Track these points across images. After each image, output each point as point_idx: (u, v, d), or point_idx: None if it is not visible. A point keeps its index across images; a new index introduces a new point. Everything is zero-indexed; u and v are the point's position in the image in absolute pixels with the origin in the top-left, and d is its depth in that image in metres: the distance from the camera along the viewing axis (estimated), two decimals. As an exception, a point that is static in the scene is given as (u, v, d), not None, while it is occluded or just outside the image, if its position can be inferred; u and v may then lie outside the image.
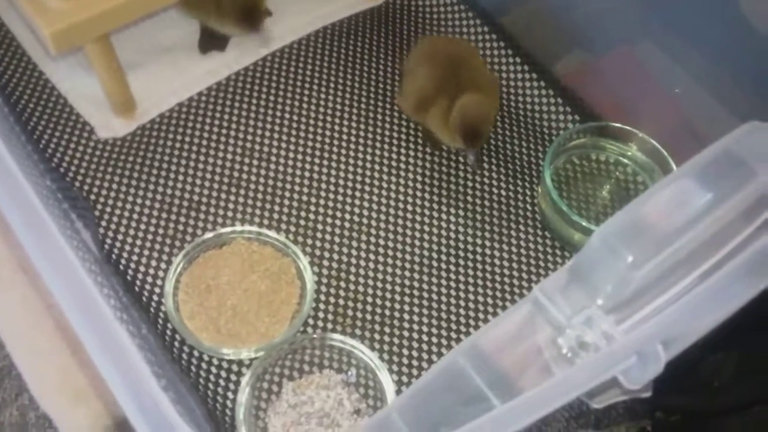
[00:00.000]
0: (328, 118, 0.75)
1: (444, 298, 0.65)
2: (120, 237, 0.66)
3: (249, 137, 0.73)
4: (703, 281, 0.32)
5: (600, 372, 0.29)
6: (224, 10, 0.71)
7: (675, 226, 0.33)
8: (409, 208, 0.70)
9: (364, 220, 0.69)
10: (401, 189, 0.71)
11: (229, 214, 0.68)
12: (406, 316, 0.64)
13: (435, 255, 0.68)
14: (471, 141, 0.66)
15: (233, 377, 0.60)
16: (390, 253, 0.67)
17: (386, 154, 0.73)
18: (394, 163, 0.73)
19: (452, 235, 0.69)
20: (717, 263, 0.33)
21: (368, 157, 0.73)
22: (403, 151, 0.74)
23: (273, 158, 0.72)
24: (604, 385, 0.29)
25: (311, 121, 0.75)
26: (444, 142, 0.71)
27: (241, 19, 0.71)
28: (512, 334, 0.34)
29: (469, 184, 0.72)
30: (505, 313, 0.34)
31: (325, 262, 0.66)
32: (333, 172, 0.72)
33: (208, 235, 0.66)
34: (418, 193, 0.71)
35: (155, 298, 0.63)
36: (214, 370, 0.61)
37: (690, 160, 0.34)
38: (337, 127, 0.75)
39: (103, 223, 0.67)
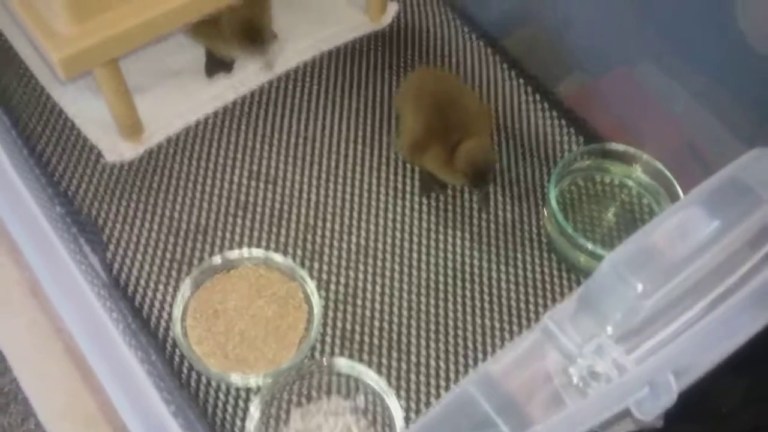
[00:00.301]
0: (334, 141, 0.76)
1: (451, 322, 0.65)
2: (128, 262, 0.66)
3: (255, 160, 0.74)
4: (712, 310, 0.32)
5: (613, 403, 0.29)
6: (226, 33, 0.72)
7: (684, 254, 0.33)
8: (416, 231, 0.70)
9: (371, 244, 0.69)
10: (407, 212, 0.71)
11: (236, 238, 0.69)
12: (414, 340, 0.64)
13: (441, 278, 0.68)
14: (480, 185, 0.68)
15: (241, 403, 0.60)
16: (397, 276, 0.67)
17: (392, 177, 0.74)
18: (400, 186, 0.73)
19: (458, 258, 0.69)
20: (726, 292, 0.33)
21: (374, 180, 0.73)
22: (408, 174, 0.74)
23: (279, 181, 0.72)
24: (617, 416, 0.30)
25: (317, 144, 0.75)
26: (447, 181, 0.72)
27: (244, 39, 0.72)
28: (523, 363, 0.34)
29: (475, 207, 0.72)
30: (515, 342, 0.35)
31: (332, 286, 0.66)
32: (339, 195, 0.72)
33: (216, 259, 0.66)
34: (424, 216, 0.71)
35: (163, 323, 0.63)
36: (222, 396, 0.61)
37: (697, 187, 0.35)
38: (342, 150, 0.75)
39: (111, 248, 0.67)
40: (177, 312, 0.63)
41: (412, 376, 0.62)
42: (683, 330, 0.32)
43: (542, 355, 0.34)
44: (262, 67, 0.75)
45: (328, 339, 0.64)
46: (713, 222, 0.34)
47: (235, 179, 0.72)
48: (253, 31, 0.71)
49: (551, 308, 0.67)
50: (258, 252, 0.67)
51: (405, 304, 0.66)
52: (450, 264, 0.68)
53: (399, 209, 0.71)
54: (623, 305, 0.33)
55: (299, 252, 0.68)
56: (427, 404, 0.61)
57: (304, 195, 0.72)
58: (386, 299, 0.66)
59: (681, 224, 0.34)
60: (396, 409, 0.59)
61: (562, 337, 0.33)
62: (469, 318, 0.66)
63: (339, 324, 0.65)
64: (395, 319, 0.65)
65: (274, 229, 0.69)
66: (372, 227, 0.70)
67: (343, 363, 0.61)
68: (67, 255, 0.46)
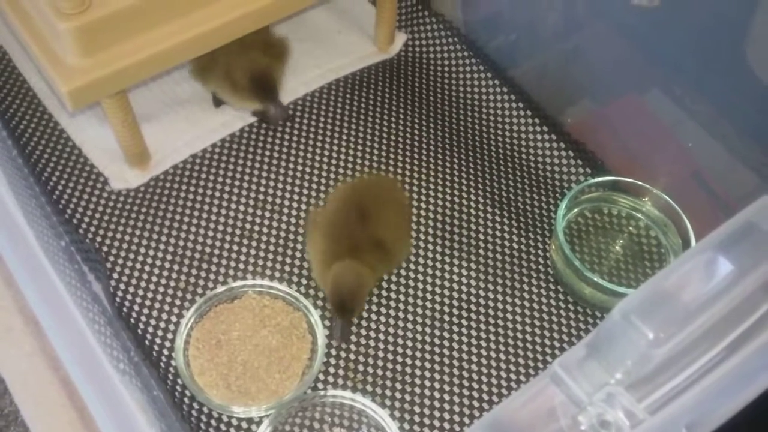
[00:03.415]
0: (341, 170, 0.75)
1: (456, 353, 0.65)
2: (131, 290, 0.66)
3: (261, 189, 0.73)
4: (726, 360, 0.31)
5: (625, 459, 0.28)
6: (237, 83, 0.72)
7: (697, 301, 0.32)
8: (421, 261, 0.70)
9: (376, 274, 0.69)
10: (412, 242, 0.71)
11: (241, 266, 0.68)
12: (418, 372, 0.63)
13: (447, 309, 0.67)
14: (343, 314, 0.63)
15: (243, 435, 0.60)
16: (401, 307, 0.67)
17: (398, 206, 0.73)
18: (405, 216, 0.73)
19: (464, 288, 0.68)
20: (738, 339, 0.33)
21: (380, 210, 0.73)
22: (414, 203, 0.74)
23: (285, 210, 0.72)
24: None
25: (323, 173, 0.75)
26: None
27: (254, 90, 0.72)
28: (531, 410, 0.34)
29: (481, 237, 0.72)
30: (524, 388, 0.34)
31: (337, 317, 0.66)
32: (345, 224, 0.71)
33: (220, 289, 0.65)
34: (430, 246, 0.71)
35: (165, 353, 0.63)
36: (223, 427, 0.60)
37: (711, 233, 0.34)
38: (349, 179, 0.75)
39: (115, 276, 0.67)
40: (180, 342, 0.62)
41: (416, 408, 0.62)
42: (697, 379, 0.31)
43: (551, 402, 0.33)
44: (271, 122, 0.76)
45: (332, 370, 0.63)
46: (727, 268, 0.33)
47: (241, 208, 0.72)
48: (263, 81, 0.71)
49: (557, 339, 0.67)
50: (262, 282, 0.66)
51: (410, 335, 0.65)
52: (455, 295, 0.68)
53: (405, 239, 0.71)
54: (634, 353, 0.32)
55: (303, 281, 0.68)
56: (432, 439, 0.60)
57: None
58: (390, 330, 0.65)
59: (694, 271, 0.33)
60: (400, 444, 0.58)
61: (571, 384, 0.33)
62: (474, 349, 0.65)
63: (343, 355, 0.64)
64: (399, 350, 0.64)
65: (279, 259, 0.69)
66: (377, 257, 0.70)
67: (346, 395, 0.60)
68: (65, 290, 0.46)
